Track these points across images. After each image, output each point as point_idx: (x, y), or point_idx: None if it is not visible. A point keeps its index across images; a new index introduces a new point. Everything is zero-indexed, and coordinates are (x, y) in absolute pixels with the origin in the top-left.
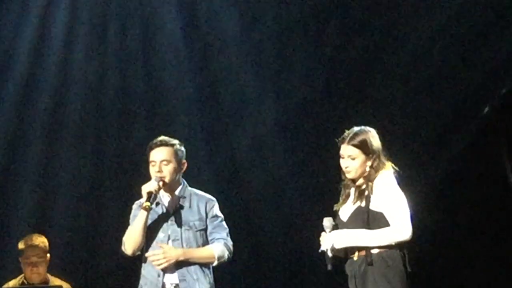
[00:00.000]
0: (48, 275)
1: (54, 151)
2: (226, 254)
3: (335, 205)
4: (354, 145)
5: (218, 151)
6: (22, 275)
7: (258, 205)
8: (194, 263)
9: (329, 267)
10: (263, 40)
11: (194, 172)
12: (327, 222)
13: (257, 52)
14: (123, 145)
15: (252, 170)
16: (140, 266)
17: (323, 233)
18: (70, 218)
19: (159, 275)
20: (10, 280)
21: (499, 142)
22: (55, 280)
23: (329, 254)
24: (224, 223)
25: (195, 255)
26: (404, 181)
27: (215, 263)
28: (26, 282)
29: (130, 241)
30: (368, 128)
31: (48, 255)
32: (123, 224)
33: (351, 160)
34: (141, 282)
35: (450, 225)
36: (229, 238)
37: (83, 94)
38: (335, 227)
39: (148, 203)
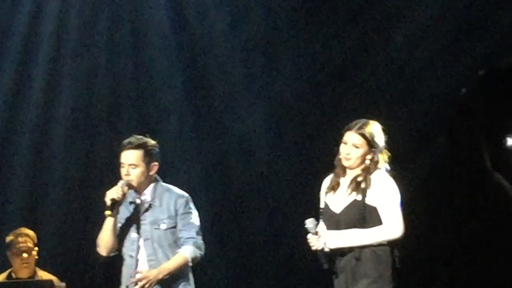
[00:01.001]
0: (37, 268)
1: (44, 147)
2: (198, 253)
3: (319, 196)
4: (361, 134)
5: (206, 147)
6: (9, 269)
7: (246, 200)
8: (167, 259)
9: (325, 266)
10: (252, 36)
11: (182, 168)
12: (310, 223)
13: (246, 47)
14: (112, 142)
15: (241, 165)
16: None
17: (309, 235)
18: (59, 215)
19: (131, 276)
20: None
21: (476, 124)
22: (43, 274)
23: (325, 254)
24: (194, 220)
25: (171, 268)
26: (396, 174)
27: (190, 265)
28: (14, 276)
29: (102, 244)
30: (377, 123)
31: (37, 248)
32: None
33: (354, 148)
34: (122, 279)
35: (435, 218)
36: (199, 236)
37: (73, 90)
38: (318, 225)
39: (109, 212)
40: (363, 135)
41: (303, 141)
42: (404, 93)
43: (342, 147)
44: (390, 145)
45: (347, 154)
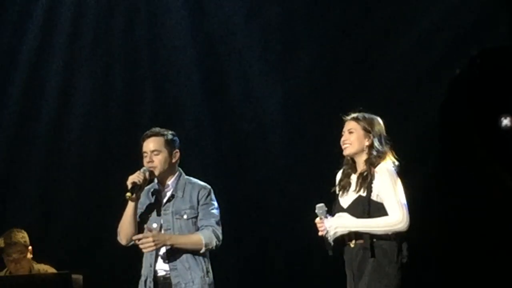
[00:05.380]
0: (33, 263)
1: (60, 140)
2: (214, 241)
3: (334, 188)
4: (355, 120)
5: (223, 136)
6: (6, 269)
7: (263, 189)
8: (185, 252)
9: (330, 252)
10: (269, 24)
11: (199, 158)
12: (320, 209)
13: (263, 36)
14: (129, 133)
15: (257, 154)
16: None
17: (317, 219)
18: (75, 208)
19: (151, 265)
20: None
21: (469, 105)
22: (40, 267)
23: (330, 241)
24: (215, 210)
25: (182, 241)
26: (405, 171)
27: (203, 250)
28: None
29: (122, 232)
30: (376, 116)
31: (30, 247)
32: None
33: (349, 134)
34: (142, 271)
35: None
36: (218, 226)
37: (90, 84)
38: (328, 212)
39: (130, 194)
40: (357, 120)
41: (320, 129)
42: (426, 82)
43: (341, 139)
44: (401, 137)
45: (344, 141)
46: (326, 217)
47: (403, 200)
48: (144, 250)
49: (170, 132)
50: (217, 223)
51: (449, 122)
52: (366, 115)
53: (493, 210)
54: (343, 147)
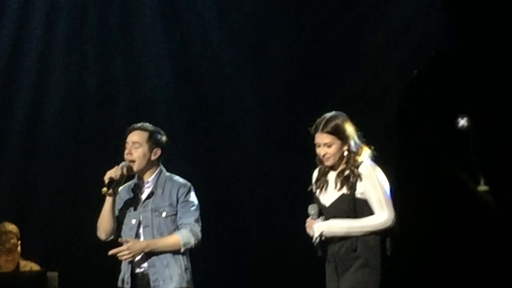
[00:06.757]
0: (20, 259)
1: (35, 137)
2: (193, 240)
3: (310, 186)
4: (328, 132)
5: (196, 134)
6: None
7: (236, 187)
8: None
9: (319, 253)
10: (242, 22)
11: (172, 155)
12: (312, 209)
13: (236, 34)
14: (103, 129)
15: (231, 151)
16: None
17: (309, 219)
18: (50, 204)
19: (129, 262)
20: None
21: (426, 106)
22: (26, 264)
23: (316, 242)
24: (194, 208)
25: (160, 245)
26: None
27: (182, 250)
28: None
29: (101, 227)
30: (338, 113)
31: (19, 242)
32: None
33: (327, 148)
34: (121, 266)
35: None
36: (196, 224)
37: (64, 81)
38: (320, 212)
39: (106, 189)
40: (330, 132)
41: (292, 129)
42: (399, 79)
43: (317, 150)
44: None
45: (324, 156)
46: (318, 218)
47: (388, 196)
48: (122, 259)
49: (157, 129)
50: (196, 221)
51: (407, 123)
52: (331, 119)
53: (452, 208)
54: (323, 159)
